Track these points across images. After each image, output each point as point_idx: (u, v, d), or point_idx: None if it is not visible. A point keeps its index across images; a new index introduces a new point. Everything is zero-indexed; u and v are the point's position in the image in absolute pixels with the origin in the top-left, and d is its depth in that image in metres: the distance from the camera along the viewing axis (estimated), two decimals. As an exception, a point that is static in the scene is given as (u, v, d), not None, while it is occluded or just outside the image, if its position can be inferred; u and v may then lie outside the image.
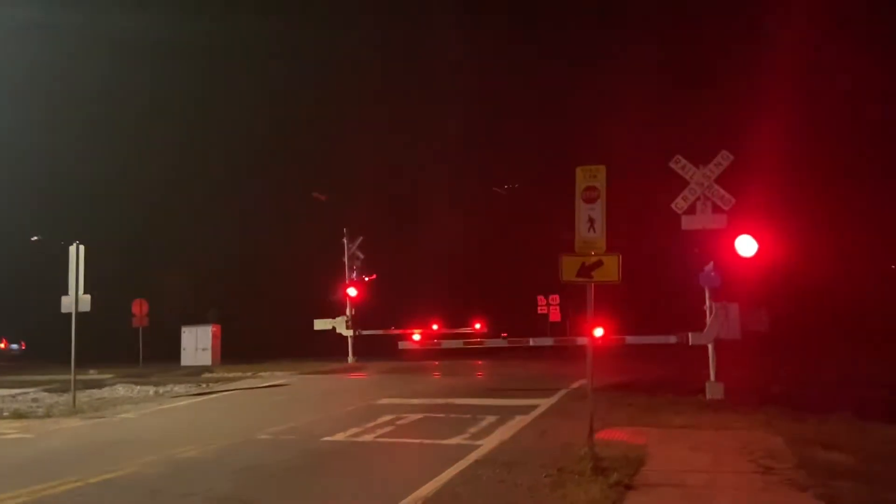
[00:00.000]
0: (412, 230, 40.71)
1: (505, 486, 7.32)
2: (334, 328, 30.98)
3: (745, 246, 13.60)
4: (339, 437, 10.47)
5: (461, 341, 22.38)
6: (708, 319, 14.10)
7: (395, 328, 29.30)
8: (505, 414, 12.36)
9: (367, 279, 31.32)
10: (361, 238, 31.95)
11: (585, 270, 8.75)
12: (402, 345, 23.01)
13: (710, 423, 11.09)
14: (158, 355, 30.79)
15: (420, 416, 12.45)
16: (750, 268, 14.11)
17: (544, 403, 13.79)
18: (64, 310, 15.66)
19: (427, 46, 47.15)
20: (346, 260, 31.68)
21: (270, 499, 7.08)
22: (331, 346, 30.58)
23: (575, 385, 16.63)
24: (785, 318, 19.47)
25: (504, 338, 21.74)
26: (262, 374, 24.52)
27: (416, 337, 25.09)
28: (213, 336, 33.92)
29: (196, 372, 26.71)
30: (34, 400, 17.74)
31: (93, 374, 27.00)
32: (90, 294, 15.49)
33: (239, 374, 24.94)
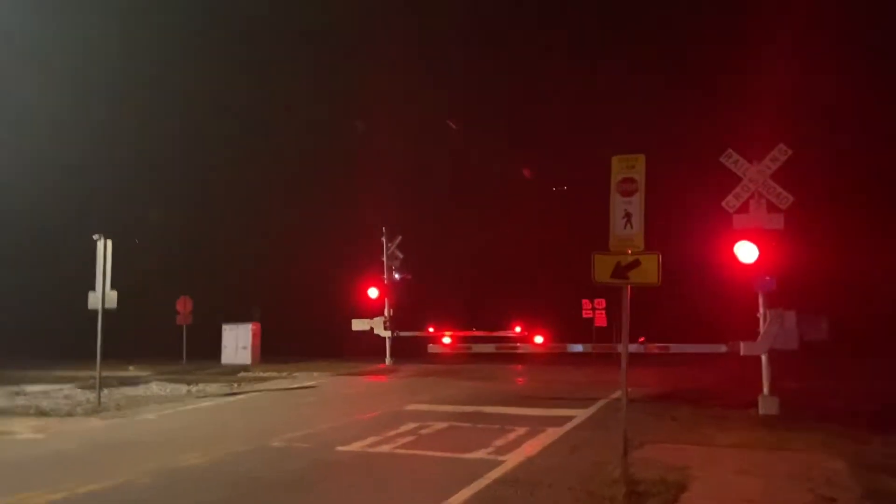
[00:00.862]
0: (452, 229, 39.99)
1: (524, 513, 6.53)
2: (372, 329, 30.52)
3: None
4: (355, 446, 9.81)
5: (493, 346, 21.49)
6: (761, 328, 12.99)
7: (434, 329, 28.63)
8: (536, 425, 11.52)
9: (405, 279, 30.77)
10: (400, 237, 31.40)
11: (621, 271, 7.91)
12: (431, 348, 22.25)
13: (762, 443, 10.06)
14: (202, 353, 30.78)
15: (445, 424, 11.71)
16: (807, 272, 12.96)
17: (580, 414, 12.90)
18: (91, 306, 15.45)
19: (462, 42, 46.27)
20: (384, 259, 31.18)
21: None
22: (369, 347, 30.12)
23: (615, 395, 15.62)
24: (845, 325, 18.10)
25: (540, 343, 20.77)
26: (297, 374, 24.15)
27: (447, 340, 24.30)
28: (253, 335, 33.80)
29: (233, 371, 26.51)
30: (66, 396, 17.63)
31: (132, 371, 27.09)
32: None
33: (274, 373, 24.64)
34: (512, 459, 8.94)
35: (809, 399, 14.32)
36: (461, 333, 26.08)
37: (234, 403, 15.82)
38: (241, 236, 43.24)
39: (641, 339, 16.77)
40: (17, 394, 18.19)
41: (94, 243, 15.31)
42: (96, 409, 14.38)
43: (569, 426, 11.68)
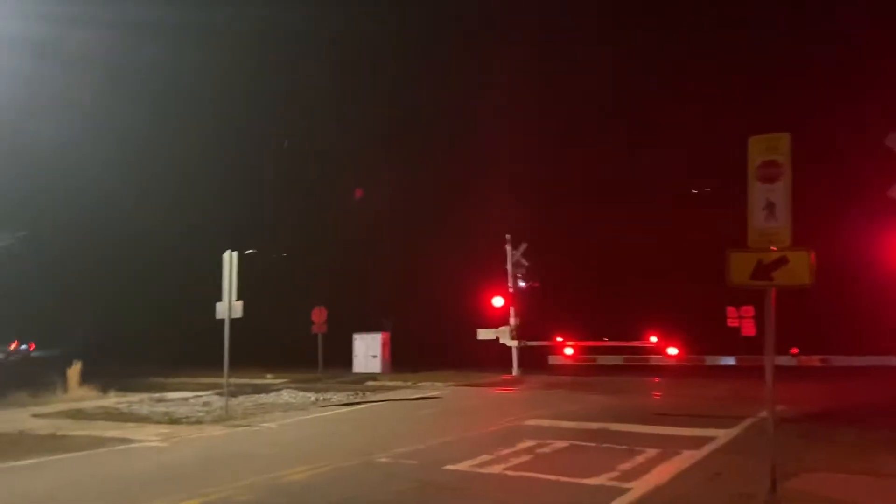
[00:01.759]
0: (580, 234, 38.47)
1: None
2: (498, 338, 29.85)
3: None
4: (464, 465, 9.11)
5: (621, 357, 20.02)
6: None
7: (561, 339, 27.49)
8: (670, 447, 10.27)
9: (531, 287, 29.82)
10: (525, 245, 30.53)
11: (763, 271, 6.68)
12: (552, 360, 21.12)
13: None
14: (337, 361, 31.43)
15: (566, 443, 10.74)
16: None
17: (722, 435, 11.44)
18: (218, 316, 15.88)
19: (577, 44, 44.61)
20: (508, 267, 30.44)
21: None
22: (497, 357, 29.47)
23: (763, 413, 13.89)
24: None
25: (674, 355, 19.07)
26: (422, 384, 23.93)
27: (569, 351, 23.02)
28: (383, 344, 34.16)
29: (361, 380, 26.78)
30: (205, 404, 18.29)
31: (269, 379, 28.15)
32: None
33: (400, 383, 24.58)
34: (638, 487, 7.86)
35: None
36: (588, 343, 24.73)
37: (353, 414, 15.67)
38: (374, 247, 44.16)
39: (794, 350, 14.85)
40: (160, 401, 19.19)
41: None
42: (223, 418, 14.69)
43: (708, 449, 10.33)
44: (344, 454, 9.95)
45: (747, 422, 12.92)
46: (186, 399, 19.41)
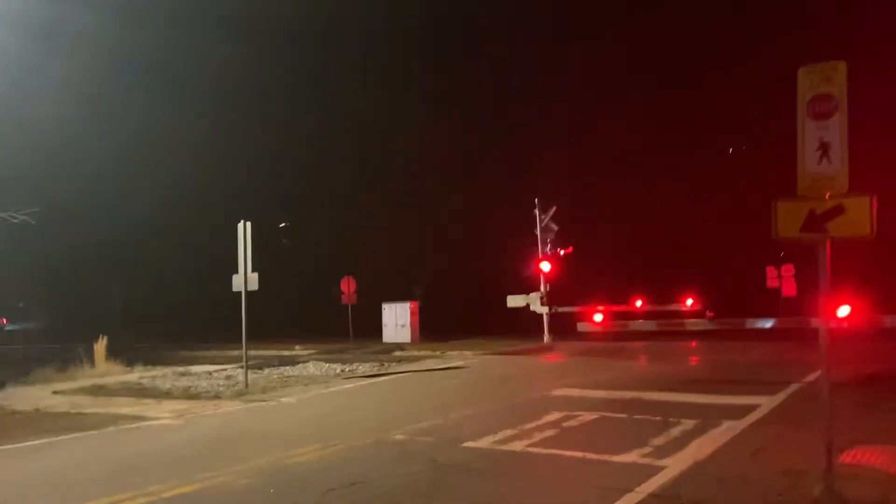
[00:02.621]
0: (612, 197, 37.27)
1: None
2: (528, 305, 29.13)
3: None
4: (484, 442, 8.48)
5: (654, 323, 19.12)
6: None
7: (594, 304, 26.67)
8: (708, 417, 9.51)
9: (562, 252, 28.91)
10: (555, 208, 29.56)
11: (816, 221, 5.83)
12: (581, 327, 20.30)
13: None
14: (367, 331, 31.14)
15: (595, 415, 10.04)
16: None
17: (765, 403, 10.63)
18: (234, 288, 15.43)
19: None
20: (538, 232, 29.56)
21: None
22: (527, 324, 28.79)
23: (811, 377, 13.01)
24: None
25: (710, 318, 18.11)
26: (450, 353, 23.43)
27: (598, 318, 22.15)
28: (412, 313, 33.69)
29: (389, 350, 26.42)
30: (228, 377, 18.01)
31: (297, 350, 27.99)
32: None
33: (428, 352, 24.12)
34: (674, 465, 7.14)
35: None
36: (620, 308, 23.84)
37: (375, 386, 15.17)
38: (402, 216, 43.62)
39: (845, 307, 13.80)
40: (183, 374, 18.99)
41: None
42: (242, 393, 14.32)
43: (751, 419, 9.55)
44: (359, 431, 9.40)
45: (792, 388, 12.08)
46: (210, 373, 19.16)
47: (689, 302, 26.04)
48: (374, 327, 32.64)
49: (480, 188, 40.18)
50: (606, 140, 38.89)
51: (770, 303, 29.34)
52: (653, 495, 6.15)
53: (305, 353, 26.37)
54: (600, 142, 39.00)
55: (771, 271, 31.94)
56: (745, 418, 9.52)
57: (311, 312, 38.86)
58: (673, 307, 24.13)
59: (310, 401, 13.08)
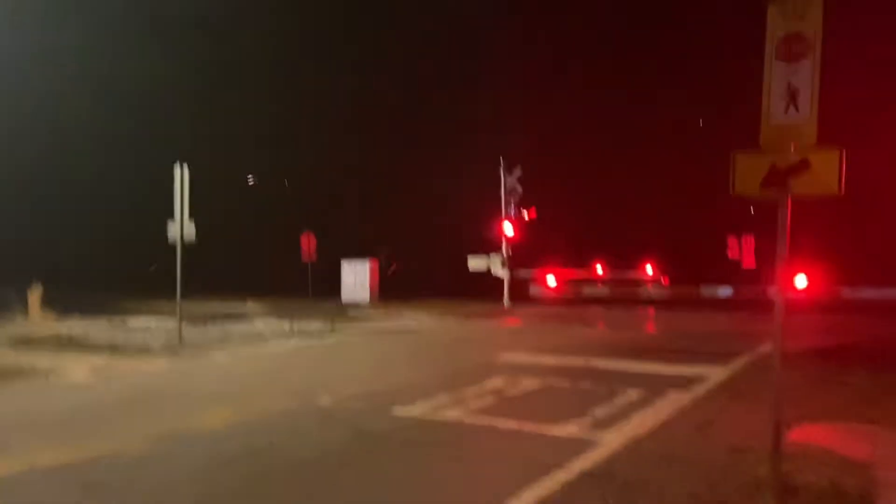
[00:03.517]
0: (578, 162, 36.66)
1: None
2: (489, 268, 28.64)
3: None
4: (417, 409, 7.87)
5: (609, 288, 18.73)
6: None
7: (552, 269, 26.26)
8: (655, 388, 9.05)
9: (525, 214, 28.36)
10: (520, 169, 28.92)
11: (778, 177, 5.22)
12: (533, 291, 19.88)
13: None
14: (330, 291, 30.37)
15: (540, 383, 9.51)
16: None
17: (714, 375, 10.22)
18: (170, 238, 14.50)
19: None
20: (502, 194, 28.93)
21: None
22: (489, 288, 28.33)
23: (764, 348, 12.71)
24: None
25: (665, 285, 17.77)
26: (407, 313, 22.87)
27: (552, 282, 21.75)
28: (372, 272, 32.97)
29: (345, 309, 25.72)
30: (167, 332, 17.13)
31: (249, 307, 27.09)
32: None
33: (383, 312, 23.52)
34: (613, 439, 6.62)
35: None
36: (577, 274, 23.45)
37: (320, 346, 14.48)
38: (370, 175, 42.56)
39: (798, 277, 13.44)
40: (119, 326, 18.05)
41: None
42: (173, 349, 13.52)
43: (698, 390, 9.11)
44: (285, 394, 8.72)
45: (743, 359, 11.74)
46: (148, 327, 18.28)
47: (649, 269, 25.79)
48: (336, 287, 31.92)
49: (448, 149, 39.24)
50: (574, 105, 38.13)
51: (730, 273, 29.31)
52: (585, 474, 5.60)
53: (257, 309, 25.53)
54: (568, 107, 38.21)
55: (732, 241, 31.95)
56: (693, 390, 9.08)
57: (277, 270, 37.93)
58: (632, 274, 23.85)
59: (245, 359, 12.35)
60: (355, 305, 27.45)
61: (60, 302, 19.73)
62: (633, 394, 8.69)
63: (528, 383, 9.44)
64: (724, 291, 17.15)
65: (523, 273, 27.14)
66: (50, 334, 15.92)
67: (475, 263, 28.80)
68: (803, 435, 6.70)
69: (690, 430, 7.05)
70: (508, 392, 8.91)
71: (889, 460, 5.95)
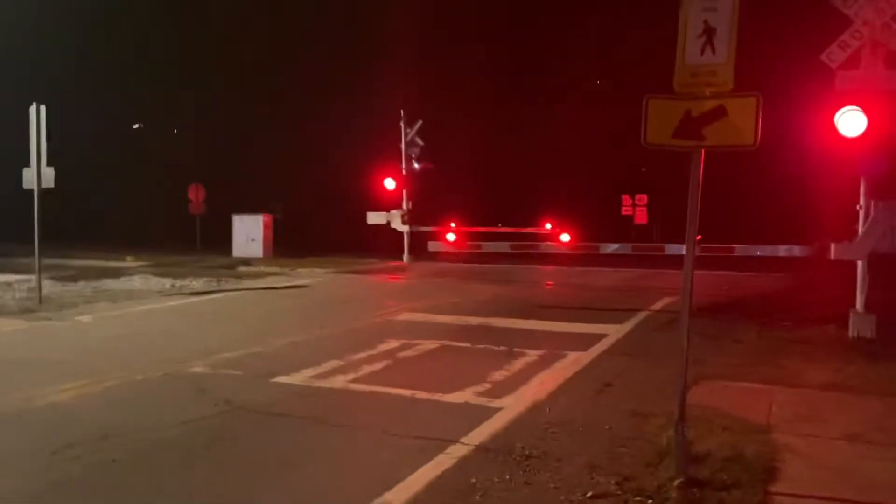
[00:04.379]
0: (479, 116, 36.21)
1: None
2: (389, 222, 27.86)
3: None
4: (301, 376, 7.18)
5: (507, 244, 18.53)
6: (861, 225, 9.80)
7: (455, 225, 25.86)
8: (555, 347, 8.75)
9: (425, 168, 27.65)
10: (420, 122, 28.02)
11: (691, 125, 4.77)
12: (432, 246, 19.38)
13: (867, 381, 7.17)
14: (220, 245, 28.68)
15: (436, 344, 9.01)
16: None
17: (613, 332, 10.07)
18: (26, 185, 12.89)
19: None
20: (402, 147, 28.02)
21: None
22: (388, 244, 27.60)
23: (658, 305, 12.79)
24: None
25: (566, 242, 17.73)
26: (300, 270, 21.82)
27: (451, 237, 21.39)
28: (265, 226, 31.36)
29: (234, 265, 24.26)
30: (30, 289, 15.41)
31: (129, 262, 25.11)
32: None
33: (276, 269, 22.35)
34: (511, 406, 6.20)
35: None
36: (477, 229, 23.15)
37: (201, 305, 13.39)
38: (265, 128, 40.47)
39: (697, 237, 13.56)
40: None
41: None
42: (32, 308, 12.10)
43: (597, 349, 8.89)
44: (151, 361, 7.77)
45: (640, 316, 11.71)
46: (10, 283, 16.43)
47: (549, 226, 25.88)
48: (227, 241, 30.25)
49: (347, 101, 37.71)
50: (473, 58, 37.42)
51: (624, 230, 30.00)
52: (481, 448, 5.13)
53: (136, 264, 23.66)
54: (468, 60, 37.46)
55: (626, 199, 32.70)
56: (592, 349, 8.85)
57: (167, 222, 35.53)
58: (533, 230, 23.83)
59: (112, 321, 11.14)
60: (246, 262, 26.04)
61: None
62: (532, 355, 8.34)
63: (425, 345, 8.92)
64: (623, 248, 17.29)
65: (422, 228, 26.55)
66: None
67: (374, 218, 27.97)
68: (703, 396, 6.52)
69: (591, 394, 6.75)
70: (403, 354, 8.36)
71: (787, 423, 5.84)
